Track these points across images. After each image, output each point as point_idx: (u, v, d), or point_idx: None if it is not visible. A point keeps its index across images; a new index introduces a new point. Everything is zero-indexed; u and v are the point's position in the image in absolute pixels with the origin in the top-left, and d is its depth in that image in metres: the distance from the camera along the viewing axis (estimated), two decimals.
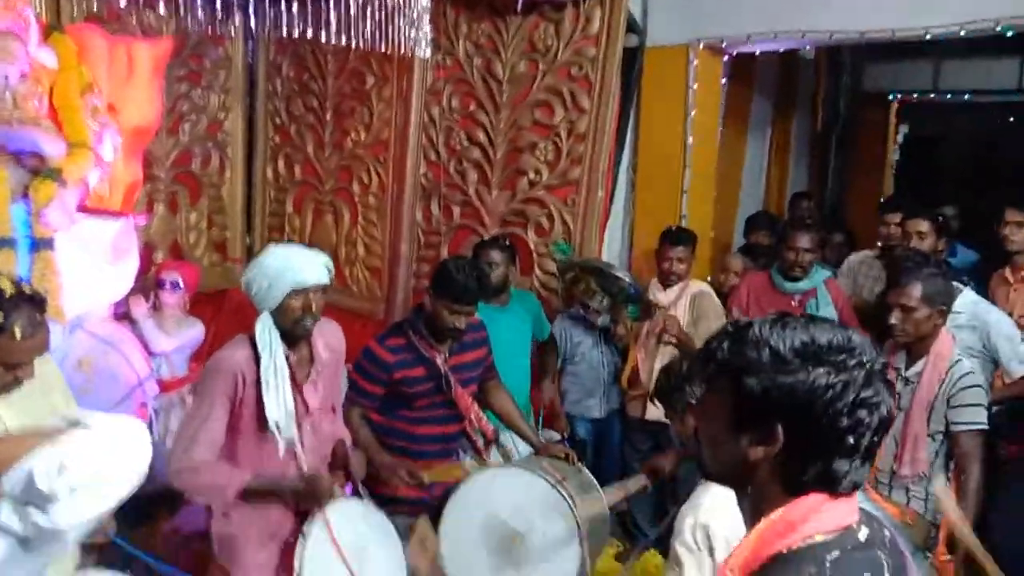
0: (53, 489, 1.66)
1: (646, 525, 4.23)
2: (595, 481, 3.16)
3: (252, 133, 5.40)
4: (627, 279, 3.80)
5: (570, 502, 2.73)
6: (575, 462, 3.10)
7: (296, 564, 2.34)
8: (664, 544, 3.23)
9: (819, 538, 1.06)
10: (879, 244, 4.32)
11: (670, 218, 4.26)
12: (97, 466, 1.74)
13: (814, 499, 1.08)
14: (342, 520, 2.46)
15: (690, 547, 1.91)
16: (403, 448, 2.97)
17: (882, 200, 4.53)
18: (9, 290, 1.93)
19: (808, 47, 5.32)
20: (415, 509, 2.89)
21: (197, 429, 2.36)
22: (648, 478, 2.93)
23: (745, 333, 1.12)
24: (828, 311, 3.75)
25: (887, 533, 1.13)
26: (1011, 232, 3.60)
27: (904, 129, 7.65)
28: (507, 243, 3.96)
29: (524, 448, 3.24)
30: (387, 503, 2.78)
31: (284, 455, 2.43)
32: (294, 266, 2.37)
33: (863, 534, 1.09)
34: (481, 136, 4.54)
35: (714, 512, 1.88)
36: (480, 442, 3.31)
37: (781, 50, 4.89)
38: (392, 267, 4.90)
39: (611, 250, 4.47)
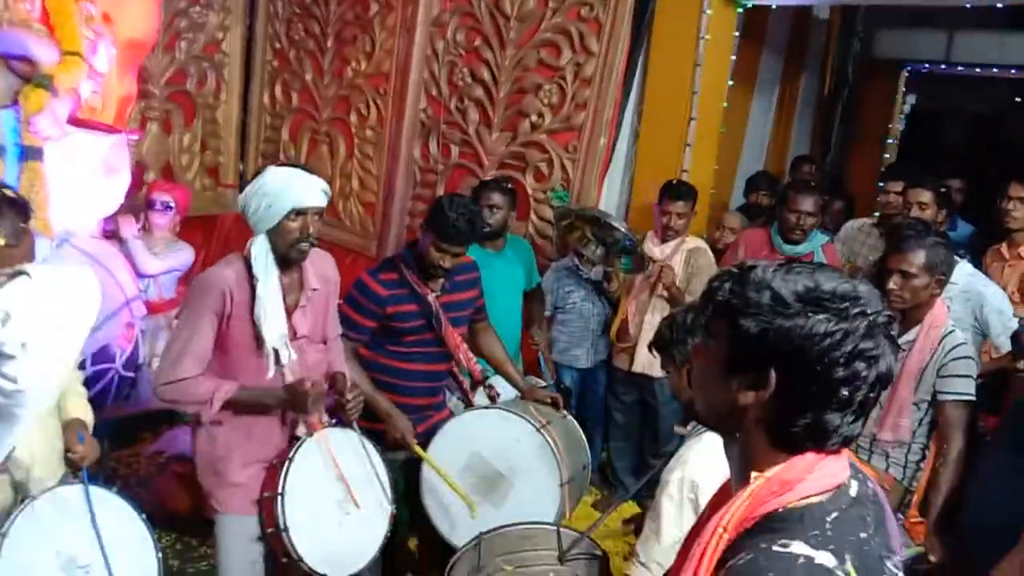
0: (1, 342, 1.60)
1: (626, 476, 4.29)
2: (579, 428, 3.19)
3: (250, 55, 5.27)
4: (623, 229, 3.76)
5: (553, 446, 2.75)
6: (560, 408, 3.11)
7: (279, 479, 2.36)
8: (640, 496, 3.29)
9: (815, 499, 1.06)
10: (878, 212, 4.28)
11: (671, 172, 4.20)
12: (43, 314, 1.71)
13: (809, 458, 1.07)
14: (341, 443, 2.51)
15: (674, 500, 1.92)
16: (390, 384, 2.96)
17: (884, 168, 4.48)
18: None
19: (823, 4, 5.20)
20: (400, 444, 2.90)
21: (185, 343, 2.36)
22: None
23: (748, 274, 1.09)
24: None
25: (870, 485, 1.13)
26: (1014, 208, 3.57)
27: (911, 100, 7.55)
28: (509, 186, 3.90)
29: (511, 392, 3.24)
30: (372, 437, 2.78)
31: (270, 377, 2.42)
32: (295, 187, 2.34)
33: (853, 489, 1.09)
34: (485, 73, 4.44)
35: (702, 468, 1.89)
36: (467, 383, 3.32)
37: (795, 4, 4.78)
38: (386, 203, 4.84)
39: (609, 201, 4.42)
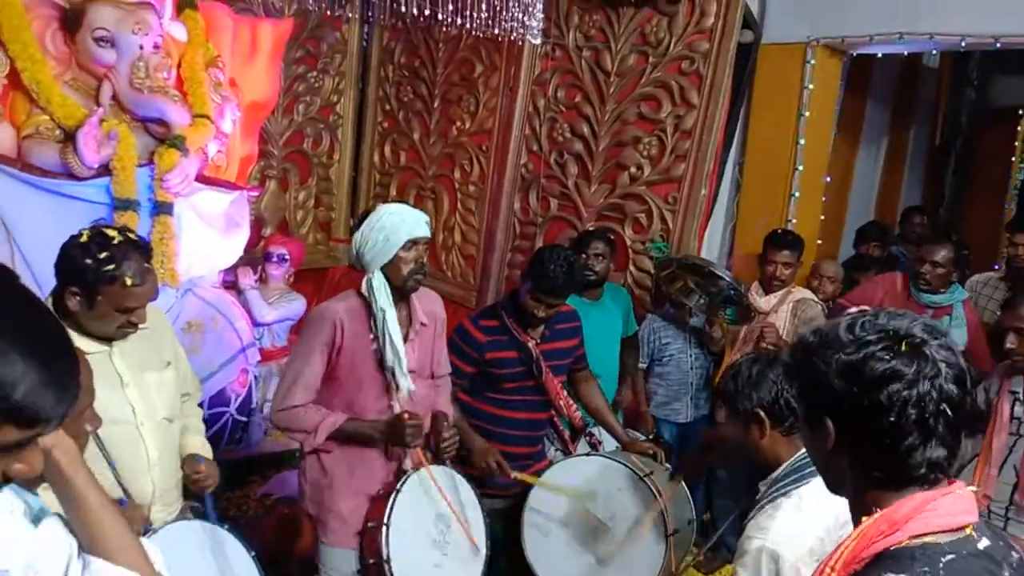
0: None
1: (730, 536, 4.12)
2: (683, 482, 3.10)
3: (362, 117, 5.55)
4: (727, 278, 3.71)
5: (658, 495, 2.69)
6: (663, 461, 3.05)
7: (386, 510, 2.40)
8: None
9: (930, 539, 1.03)
10: (1002, 265, 4.10)
11: (776, 222, 4.13)
12: None
13: (919, 497, 1.05)
14: (441, 479, 2.55)
15: (749, 570, 1.79)
16: (489, 431, 2.98)
17: (1012, 219, 4.30)
18: (117, 239, 2.02)
19: (934, 52, 5.07)
20: (500, 492, 2.90)
21: (296, 374, 2.47)
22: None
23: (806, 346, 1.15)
24: (960, 331, 3.62)
25: (1015, 554, 1.07)
26: None
27: None
28: (611, 236, 3.93)
29: (611, 443, 3.20)
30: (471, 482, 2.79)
31: (380, 408, 2.50)
32: (408, 219, 2.46)
33: (983, 544, 1.04)
34: (584, 128, 4.52)
35: (786, 538, 1.73)
36: (567, 433, 3.30)
37: (904, 54, 4.68)
38: (487, 255, 4.94)
39: (710, 252, 4.37)
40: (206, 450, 2.43)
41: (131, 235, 2.09)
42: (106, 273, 1.98)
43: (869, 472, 1.08)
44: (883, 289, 3.87)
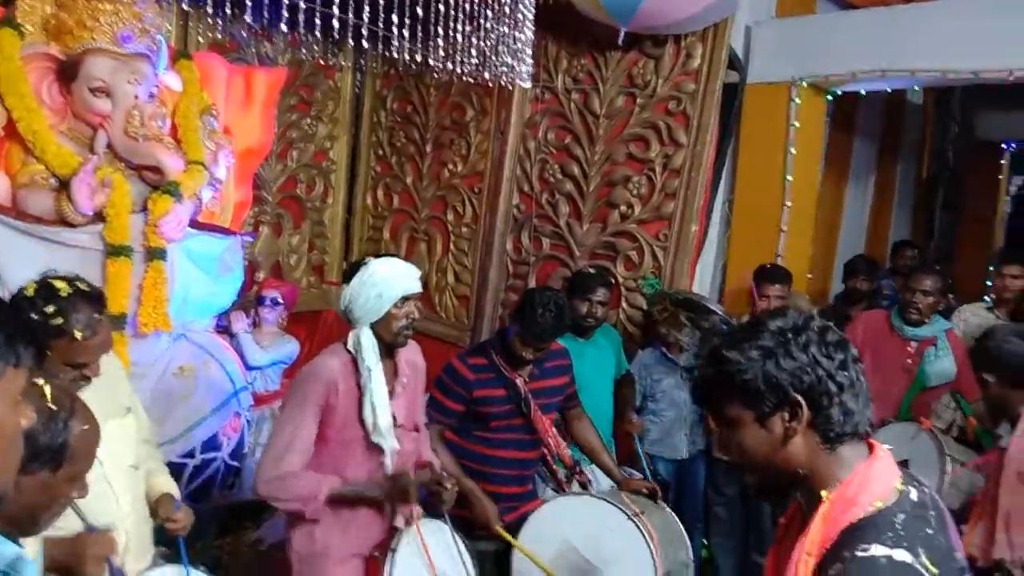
0: None
1: (729, 572, 4.08)
2: (678, 521, 3.07)
3: (355, 162, 5.61)
4: (720, 312, 3.73)
5: (647, 537, 2.66)
6: (658, 499, 3.03)
7: (385, 572, 2.34)
8: None
9: (879, 504, 1.21)
10: (990, 297, 4.13)
11: (766, 257, 4.16)
12: None
13: (860, 471, 1.24)
14: (432, 536, 2.47)
15: None
16: (478, 471, 2.95)
17: (998, 252, 4.36)
18: (65, 290, 1.92)
19: (917, 88, 5.16)
20: (490, 534, 2.87)
21: (290, 437, 2.38)
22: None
23: (720, 352, 1.31)
24: (947, 361, 3.64)
25: (927, 491, 1.27)
26: None
27: (1018, 181, 7.29)
28: (611, 280, 3.93)
29: (606, 482, 3.18)
30: (462, 524, 2.76)
31: (370, 467, 2.45)
32: (402, 274, 2.43)
33: (914, 495, 1.24)
34: (575, 169, 4.58)
35: None
36: (561, 473, 3.28)
37: (888, 91, 4.77)
38: (480, 295, 4.96)
39: (702, 287, 4.40)
40: (173, 488, 2.36)
41: (81, 285, 1.98)
42: (53, 327, 1.86)
43: (822, 439, 1.25)
44: (863, 325, 3.89)
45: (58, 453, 1.42)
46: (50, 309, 1.87)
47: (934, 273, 3.76)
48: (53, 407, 1.42)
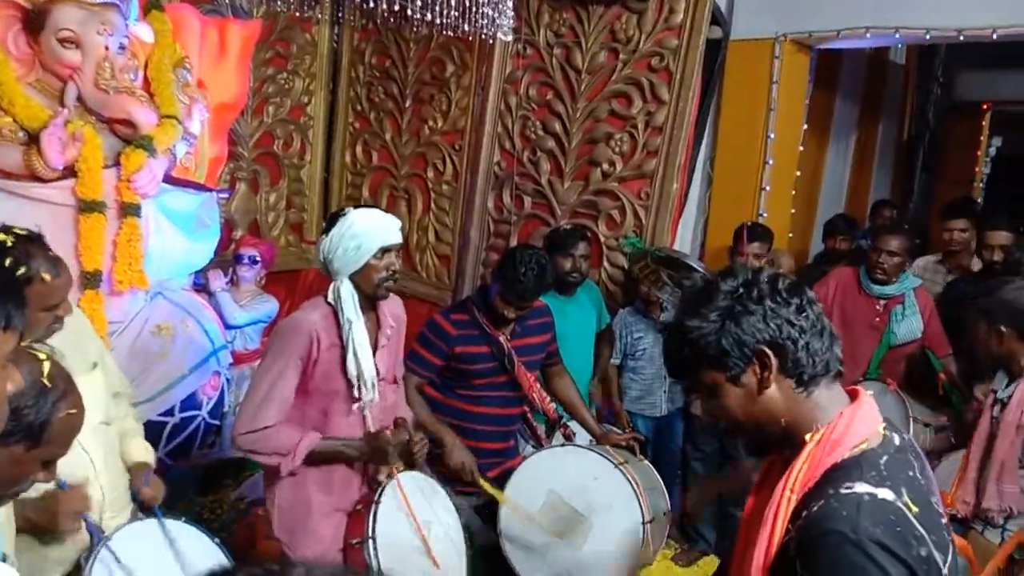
0: None
1: (706, 528, 4.15)
2: (656, 473, 3.11)
3: (333, 118, 5.51)
4: (701, 269, 3.73)
5: (633, 483, 2.70)
6: (637, 453, 3.06)
7: (368, 524, 2.35)
8: (721, 548, 3.14)
9: (864, 446, 1.24)
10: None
11: (747, 216, 4.17)
12: None
13: (847, 413, 1.27)
14: (413, 488, 2.48)
15: None
16: (460, 427, 2.96)
17: (947, 205, 4.36)
18: (9, 240, 1.87)
19: (900, 46, 5.14)
20: (474, 488, 2.89)
21: (269, 389, 2.35)
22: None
23: (680, 325, 1.36)
24: (915, 319, 3.69)
25: (906, 438, 1.32)
26: None
27: (997, 142, 7.33)
28: (589, 235, 3.94)
29: (586, 437, 3.20)
30: (447, 480, 2.78)
31: (352, 420, 2.45)
32: (381, 225, 2.38)
33: (896, 440, 1.28)
34: (556, 126, 4.53)
35: None
36: (541, 429, 3.30)
37: (870, 50, 4.75)
38: (461, 254, 4.93)
39: (683, 245, 4.40)
40: (148, 454, 2.35)
41: (18, 231, 1.93)
42: (21, 277, 1.82)
43: (796, 383, 1.28)
44: (836, 281, 3.92)
45: (39, 430, 1.39)
46: (8, 261, 1.83)
47: (901, 233, 3.76)
48: (47, 383, 1.40)
